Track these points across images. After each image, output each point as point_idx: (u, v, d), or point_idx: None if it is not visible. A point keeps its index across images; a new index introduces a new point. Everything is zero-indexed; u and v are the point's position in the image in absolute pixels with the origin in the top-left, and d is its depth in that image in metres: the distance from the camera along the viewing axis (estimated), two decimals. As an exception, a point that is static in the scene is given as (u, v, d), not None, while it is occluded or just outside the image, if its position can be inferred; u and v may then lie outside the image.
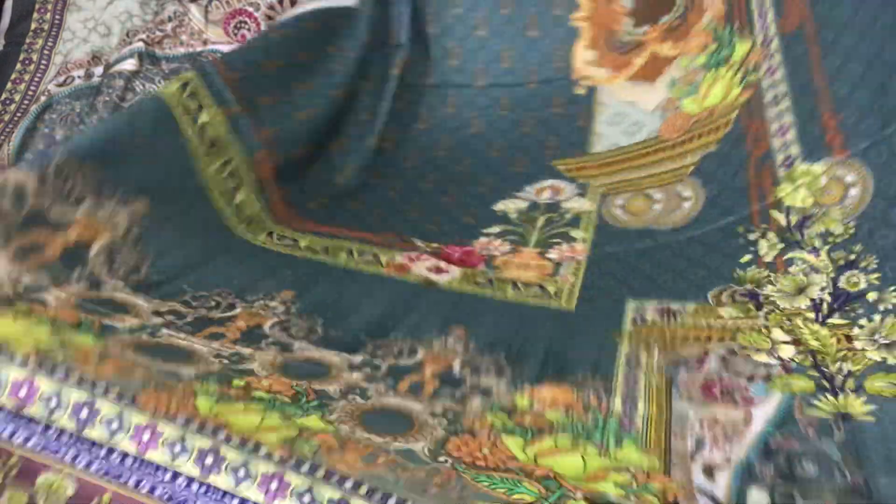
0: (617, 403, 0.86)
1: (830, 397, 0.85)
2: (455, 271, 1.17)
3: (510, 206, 1.35)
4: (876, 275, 0.94)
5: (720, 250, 1.10)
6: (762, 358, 0.92)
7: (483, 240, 1.27)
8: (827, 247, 1.01)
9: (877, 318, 0.91)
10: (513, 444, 0.81)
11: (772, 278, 1.01)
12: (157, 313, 0.94)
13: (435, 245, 1.25)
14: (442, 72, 1.59)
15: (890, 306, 0.91)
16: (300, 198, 1.36)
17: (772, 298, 0.99)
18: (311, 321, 1.00)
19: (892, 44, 1.07)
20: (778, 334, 0.94)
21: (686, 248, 1.14)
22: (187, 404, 0.76)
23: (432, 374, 0.88)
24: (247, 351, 0.88)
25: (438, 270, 1.17)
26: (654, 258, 1.15)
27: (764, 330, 0.95)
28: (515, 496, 0.72)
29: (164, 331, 0.89)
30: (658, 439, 0.81)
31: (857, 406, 0.83)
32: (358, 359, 0.90)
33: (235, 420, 0.76)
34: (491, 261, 1.21)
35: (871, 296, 0.93)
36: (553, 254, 1.22)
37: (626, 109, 1.44)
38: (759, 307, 0.99)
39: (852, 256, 0.98)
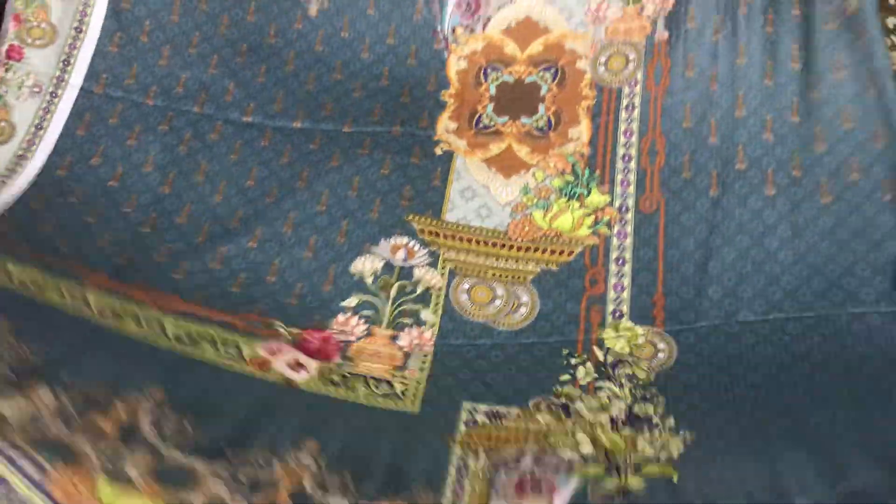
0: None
1: (615, 477, 1.07)
2: (313, 367, 1.29)
3: (367, 266, 1.47)
4: (662, 409, 1.20)
5: (545, 365, 1.31)
6: (567, 454, 1.12)
7: (340, 318, 1.40)
8: (630, 384, 1.26)
9: (656, 431, 1.16)
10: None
11: (582, 397, 1.24)
12: None
13: (295, 331, 1.36)
14: (312, 119, 1.67)
15: (667, 430, 1.16)
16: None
17: (581, 414, 1.20)
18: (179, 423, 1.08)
19: (716, 257, 1.36)
20: (581, 437, 1.15)
21: (517, 355, 1.33)
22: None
23: (287, 494, 1.00)
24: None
25: (298, 367, 1.28)
26: (490, 359, 1.33)
27: (570, 435, 1.16)
28: None
29: None
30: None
31: (636, 483, 1.06)
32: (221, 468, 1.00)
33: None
34: (346, 349, 1.34)
35: (656, 420, 1.18)
36: (403, 339, 1.37)
37: (480, 190, 1.57)
38: (568, 416, 1.20)
39: (647, 395, 1.24)
